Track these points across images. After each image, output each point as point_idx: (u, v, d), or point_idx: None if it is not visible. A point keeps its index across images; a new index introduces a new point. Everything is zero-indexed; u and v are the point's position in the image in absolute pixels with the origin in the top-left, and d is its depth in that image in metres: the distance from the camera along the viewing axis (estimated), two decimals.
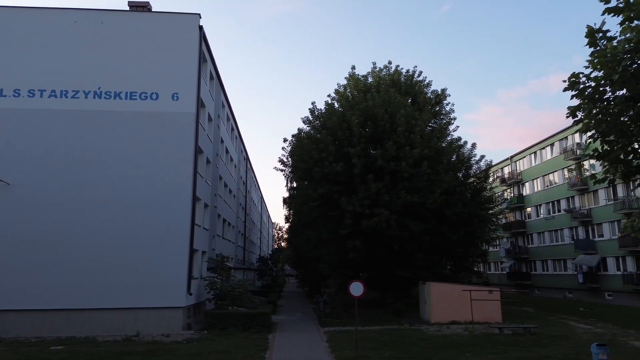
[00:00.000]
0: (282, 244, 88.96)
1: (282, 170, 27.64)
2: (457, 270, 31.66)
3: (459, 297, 24.24)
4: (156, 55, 22.89)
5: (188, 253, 21.33)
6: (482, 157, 27.86)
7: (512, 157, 50.79)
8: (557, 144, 42.47)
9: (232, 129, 38.41)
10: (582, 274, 37.13)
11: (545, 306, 33.10)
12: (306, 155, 24.83)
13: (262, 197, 78.39)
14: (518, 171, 49.45)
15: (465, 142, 27.43)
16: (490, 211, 28.94)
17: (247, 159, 50.61)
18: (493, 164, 30.94)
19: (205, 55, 25.56)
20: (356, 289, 15.91)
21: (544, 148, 44.99)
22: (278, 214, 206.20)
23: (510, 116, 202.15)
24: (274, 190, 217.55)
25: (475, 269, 33.91)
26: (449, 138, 27.15)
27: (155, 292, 20.61)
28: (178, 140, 22.17)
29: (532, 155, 47.17)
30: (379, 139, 24.56)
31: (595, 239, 36.93)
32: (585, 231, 38.41)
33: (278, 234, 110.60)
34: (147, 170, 21.71)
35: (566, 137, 40.93)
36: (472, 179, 28.26)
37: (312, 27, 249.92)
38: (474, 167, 28.20)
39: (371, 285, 37.00)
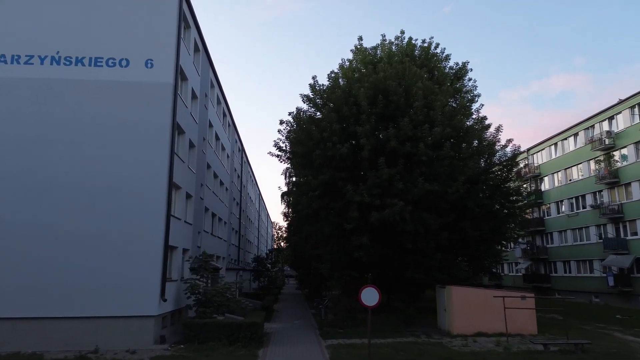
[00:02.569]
0: (282, 243, 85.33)
1: (278, 157, 23.93)
2: (474, 271, 27.94)
3: (485, 304, 20.58)
4: (126, 13, 19.25)
5: (162, 250, 17.65)
6: (509, 141, 24.05)
7: (528, 149, 46.96)
8: (581, 134, 38.73)
9: (224, 115, 34.72)
10: (612, 276, 33.42)
11: (572, 312, 29.33)
12: (305, 136, 21.09)
13: (260, 194, 74.73)
14: (535, 165, 45.64)
15: (490, 124, 23.70)
16: (518, 204, 25.15)
17: (242, 150, 46.92)
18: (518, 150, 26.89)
19: (187, 19, 21.91)
20: (369, 297, 12.27)
21: (566, 139, 41.24)
22: (278, 213, 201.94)
23: (511, 117, 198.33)
24: (274, 189, 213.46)
25: (494, 270, 30.09)
26: (474, 116, 23.38)
27: (122, 297, 16.92)
28: (152, 114, 18.49)
29: (552, 147, 43.39)
30: (392, 116, 20.79)
31: (627, 238, 33.20)
32: (615, 229, 34.65)
33: (278, 233, 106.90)
34: (114, 151, 18.05)
35: (592, 126, 37.22)
36: (496, 167, 24.44)
37: (313, 26, 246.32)
38: (498, 154, 24.43)
39: (378, 284, 33.19)
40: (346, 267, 23.61)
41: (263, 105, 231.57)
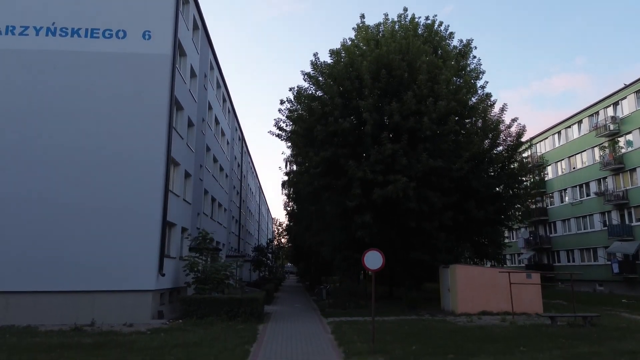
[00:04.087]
0: (283, 240, 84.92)
1: (278, 136, 23.42)
2: (478, 257, 27.49)
3: (491, 283, 20.23)
4: None
5: (160, 223, 17.25)
6: (514, 120, 23.59)
7: (531, 139, 46.37)
8: (586, 121, 38.25)
9: (224, 100, 34.29)
10: (617, 263, 32.95)
11: (577, 299, 28.79)
12: (306, 112, 20.62)
13: (260, 187, 74.31)
14: (539, 154, 45.13)
15: (495, 100, 23.16)
16: (525, 183, 24.70)
17: (242, 139, 46.48)
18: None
19: None
20: (373, 260, 11.89)
21: (569, 126, 40.77)
22: (279, 211, 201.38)
23: (512, 117, 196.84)
24: (274, 188, 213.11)
25: (498, 256, 29.54)
26: (479, 92, 22.84)
27: (118, 271, 16.54)
28: (149, 86, 18.11)
29: (556, 135, 42.92)
30: (395, 91, 20.33)
31: (632, 224, 32.75)
32: (620, 215, 34.20)
33: (278, 229, 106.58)
34: (111, 123, 17.66)
35: (597, 112, 36.74)
36: (501, 147, 23.95)
37: (312, 26, 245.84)
38: (503, 134, 23.91)
39: (380, 273, 32.63)
40: (348, 248, 23.17)
41: (264, 102, 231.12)
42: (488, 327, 15.27)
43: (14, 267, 16.18)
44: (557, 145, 42.68)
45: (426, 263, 22.45)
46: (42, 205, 16.74)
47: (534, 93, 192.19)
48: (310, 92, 22.64)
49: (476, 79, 22.51)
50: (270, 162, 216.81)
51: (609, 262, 34.07)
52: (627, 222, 33.40)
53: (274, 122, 23.32)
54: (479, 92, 22.71)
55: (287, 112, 23.25)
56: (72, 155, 17.22)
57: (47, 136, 17.29)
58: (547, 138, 44.31)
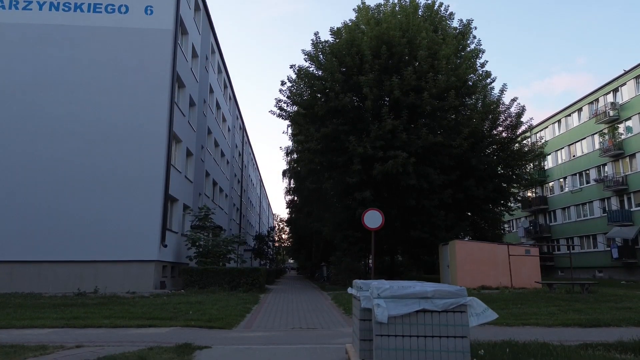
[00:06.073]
0: (284, 236, 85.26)
1: (280, 116, 23.53)
2: (477, 238, 27.63)
3: (490, 258, 20.32)
4: None
5: (162, 198, 17.43)
6: (514, 100, 23.72)
7: (532, 128, 46.41)
8: (585, 108, 38.36)
9: (225, 86, 34.45)
10: (616, 248, 33.06)
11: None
12: (307, 88, 20.77)
13: (261, 181, 74.43)
14: (539, 143, 45.16)
15: (495, 78, 23.29)
16: (525, 165, 24.87)
17: (243, 129, 46.63)
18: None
19: None
20: (373, 218, 12.08)
21: (569, 115, 40.87)
22: (280, 208, 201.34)
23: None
24: (276, 185, 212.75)
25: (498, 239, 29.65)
26: (480, 70, 22.92)
27: (121, 242, 16.75)
28: (151, 61, 18.31)
29: (556, 124, 43.03)
30: (396, 68, 20.48)
31: (632, 209, 32.84)
32: (619, 201, 34.32)
33: (279, 225, 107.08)
34: (113, 98, 17.85)
35: (597, 99, 36.86)
36: (501, 128, 24.08)
37: (312, 25, 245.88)
38: (503, 113, 24.03)
39: (381, 263, 32.86)
40: (349, 227, 23.32)
41: (266, 99, 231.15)
42: (487, 295, 15.41)
43: (18, 237, 16.39)
44: (557, 133, 42.79)
45: (426, 242, 22.58)
46: (46, 176, 16.94)
47: (535, 93, 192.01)
48: (311, 71, 22.78)
49: (476, 58, 22.63)
50: (271, 158, 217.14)
51: (609, 248, 34.18)
52: (626, 207, 33.50)
53: (275, 101, 23.46)
54: (479, 70, 22.82)
55: (287, 92, 23.39)
56: (76, 127, 17.43)
57: (50, 109, 17.50)
58: (547, 127, 44.41)
